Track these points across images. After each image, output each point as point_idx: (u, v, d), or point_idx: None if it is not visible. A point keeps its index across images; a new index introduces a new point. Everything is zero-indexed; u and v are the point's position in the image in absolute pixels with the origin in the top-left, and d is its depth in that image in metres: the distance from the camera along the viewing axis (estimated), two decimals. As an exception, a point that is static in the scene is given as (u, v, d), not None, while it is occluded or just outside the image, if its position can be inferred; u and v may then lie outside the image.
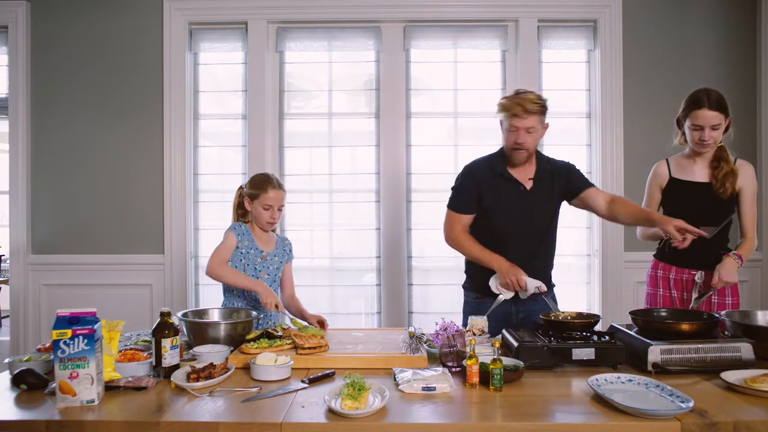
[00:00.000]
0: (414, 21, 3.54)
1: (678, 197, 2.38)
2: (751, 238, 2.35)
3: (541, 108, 2.22)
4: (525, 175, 2.34)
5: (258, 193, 2.37)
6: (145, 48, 3.51)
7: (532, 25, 3.50)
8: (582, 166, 3.58)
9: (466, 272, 2.49)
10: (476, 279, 2.39)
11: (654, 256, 2.52)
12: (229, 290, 2.42)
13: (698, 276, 2.32)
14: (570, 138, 3.60)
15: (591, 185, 2.39)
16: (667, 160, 2.47)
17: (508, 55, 3.57)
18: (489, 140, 3.58)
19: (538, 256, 2.39)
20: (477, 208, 2.36)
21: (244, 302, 2.39)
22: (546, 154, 2.45)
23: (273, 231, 2.54)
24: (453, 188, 2.42)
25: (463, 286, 2.51)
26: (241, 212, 2.48)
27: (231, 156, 3.63)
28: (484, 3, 3.49)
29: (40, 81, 3.52)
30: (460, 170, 2.43)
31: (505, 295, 2.22)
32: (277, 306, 2.21)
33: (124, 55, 3.52)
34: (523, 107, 2.17)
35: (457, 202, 2.39)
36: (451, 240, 2.40)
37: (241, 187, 2.50)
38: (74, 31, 3.52)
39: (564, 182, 2.38)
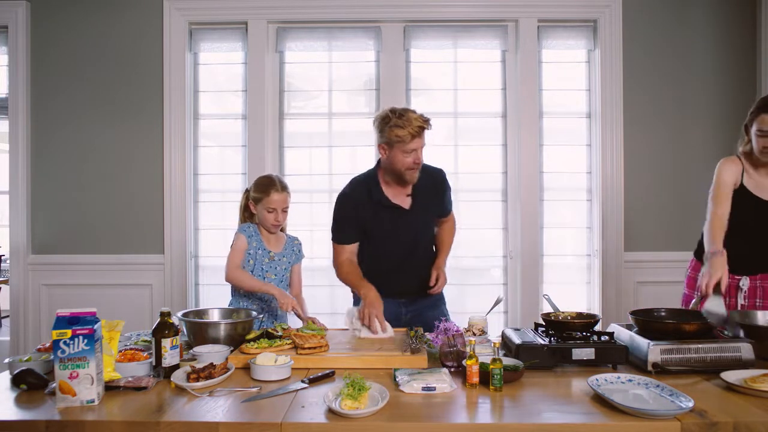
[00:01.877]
0: (414, 21, 3.53)
1: (740, 208, 2.22)
2: None
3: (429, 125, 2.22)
4: (402, 194, 2.34)
5: (261, 197, 2.39)
6: (145, 48, 3.51)
7: (532, 25, 3.50)
8: (582, 166, 3.60)
9: None
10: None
11: (695, 255, 2.41)
12: (237, 291, 2.44)
13: (742, 282, 2.26)
14: (570, 138, 3.60)
15: (447, 215, 2.49)
16: (741, 160, 2.26)
17: (508, 55, 3.57)
18: (489, 140, 3.60)
19: (422, 264, 2.43)
20: (359, 236, 2.36)
21: (250, 302, 2.42)
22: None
23: (282, 231, 2.55)
24: (333, 218, 2.39)
25: (353, 292, 2.48)
26: (247, 214, 2.51)
27: (231, 156, 3.63)
28: (484, 3, 3.49)
29: (40, 81, 3.52)
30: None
31: (360, 332, 2.12)
32: (293, 307, 2.22)
33: (124, 55, 3.52)
34: (423, 129, 2.18)
35: (337, 235, 2.38)
36: (339, 271, 2.38)
37: (247, 190, 2.52)
38: (74, 31, 3.52)
39: (438, 197, 2.42)
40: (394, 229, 2.34)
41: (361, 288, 2.24)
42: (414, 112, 2.22)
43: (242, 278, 2.32)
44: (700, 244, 2.38)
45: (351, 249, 2.38)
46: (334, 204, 2.40)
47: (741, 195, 2.25)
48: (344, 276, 2.36)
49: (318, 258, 3.60)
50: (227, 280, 2.36)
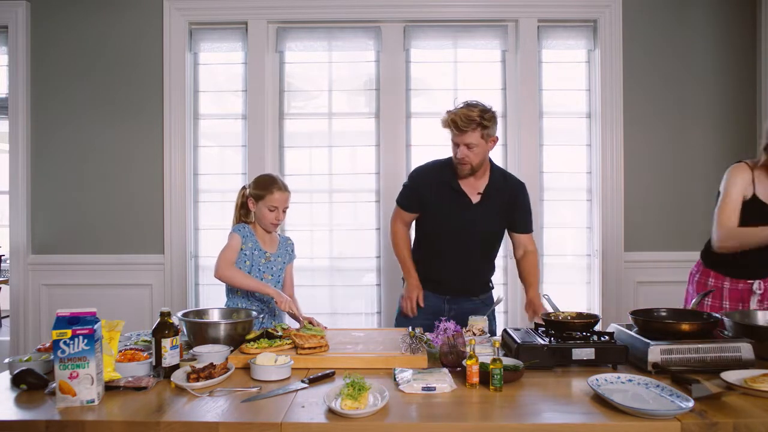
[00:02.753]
0: (414, 21, 3.53)
1: (752, 217, 2.19)
2: None
3: (480, 123, 2.19)
4: (474, 188, 2.36)
5: (263, 194, 2.37)
6: (145, 48, 3.51)
7: (532, 25, 3.50)
8: (582, 166, 3.60)
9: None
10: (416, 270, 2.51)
11: (702, 260, 2.39)
12: (233, 292, 2.43)
13: (756, 285, 2.23)
14: (570, 138, 3.60)
15: (526, 232, 2.47)
16: (751, 168, 2.22)
17: (508, 55, 3.57)
18: (489, 140, 3.59)
19: (476, 268, 2.45)
20: (420, 209, 2.44)
21: (248, 303, 2.40)
22: (502, 168, 2.49)
23: (275, 231, 2.54)
24: (404, 185, 2.52)
25: (402, 278, 2.58)
26: (243, 212, 2.47)
27: (231, 156, 3.63)
28: (484, 3, 3.49)
29: (40, 81, 3.52)
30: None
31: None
32: (290, 307, 2.22)
33: (124, 55, 3.52)
34: (457, 124, 2.20)
35: (402, 200, 2.50)
36: (391, 231, 2.54)
37: (244, 187, 2.49)
38: (74, 31, 3.52)
39: (510, 208, 2.42)
40: (453, 215, 2.35)
41: (408, 271, 2.46)
42: (470, 106, 2.25)
43: (235, 275, 2.27)
44: (708, 248, 2.35)
45: (408, 218, 2.50)
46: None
47: (753, 204, 2.21)
48: (396, 242, 2.51)
49: (318, 258, 3.61)
50: (218, 276, 2.28)
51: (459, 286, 2.44)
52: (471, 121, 2.19)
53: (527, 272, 2.48)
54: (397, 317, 2.58)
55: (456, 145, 2.27)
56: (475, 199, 2.36)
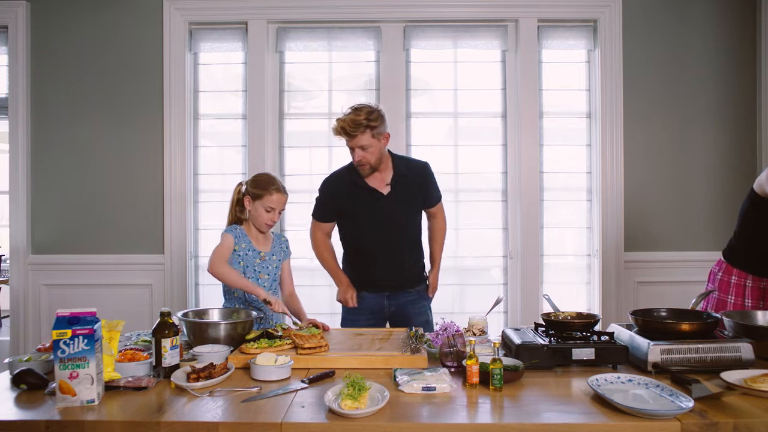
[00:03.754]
0: (414, 21, 3.54)
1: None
2: None
3: (368, 125, 2.30)
4: (382, 181, 2.46)
5: (261, 194, 2.35)
6: (145, 48, 3.51)
7: (532, 25, 3.50)
8: (582, 166, 3.60)
9: (342, 267, 2.66)
10: (350, 275, 2.60)
11: (724, 257, 2.39)
12: (229, 292, 2.41)
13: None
14: (570, 138, 3.60)
15: (434, 204, 2.59)
16: None
17: (508, 55, 3.57)
18: (489, 140, 3.60)
19: (404, 257, 2.54)
20: (337, 217, 2.51)
21: (244, 305, 2.39)
22: (403, 155, 2.60)
23: None
24: (316, 198, 2.58)
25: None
26: (239, 209, 2.44)
27: (231, 156, 3.63)
28: (484, 3, 3.49)
29: (40, 81, 3.52)
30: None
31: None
32: (282, 309, 2.21)
33: (124, 55, 3.52)
34: (346, 131, 2.30)
35: (317, 212, 2.58)
36: (313, 244, 2.61)
37: (240, 184, 2.46)
38: (74, 32, 3.52)
39: (421, 189, 2.53)
40: (370, 212, 2.45)
41: (336, 275, 2.58)
42: (356, 110, 2.33)
43: (229, 273, 2.25)
44: (733, 246, 2.36)
45: (327, 228, 2.58)
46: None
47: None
48: (319, 252, 2.60)
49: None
50: (211, 271, 2.26)
51: (393, 279, 2.52)
52: (358, 125, 2.30)
53: (432, 239, 2.68)
54: (342, 320, 2.64)
55: (350, 149, 2.37)
56: (385, 191, 2.46)
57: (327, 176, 2.58)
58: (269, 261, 2.43)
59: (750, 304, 2.28)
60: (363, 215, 2.46)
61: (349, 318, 2.58)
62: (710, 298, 2.39)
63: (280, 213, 2.39)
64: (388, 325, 2.58)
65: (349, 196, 2.46)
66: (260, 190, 2.35)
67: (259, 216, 2.37)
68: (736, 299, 2.32)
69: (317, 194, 2.57)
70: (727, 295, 2.35)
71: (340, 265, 2.65)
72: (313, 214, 2.59)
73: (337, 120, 2.34)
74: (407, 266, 2.56)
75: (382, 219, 2.44)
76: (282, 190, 2.38)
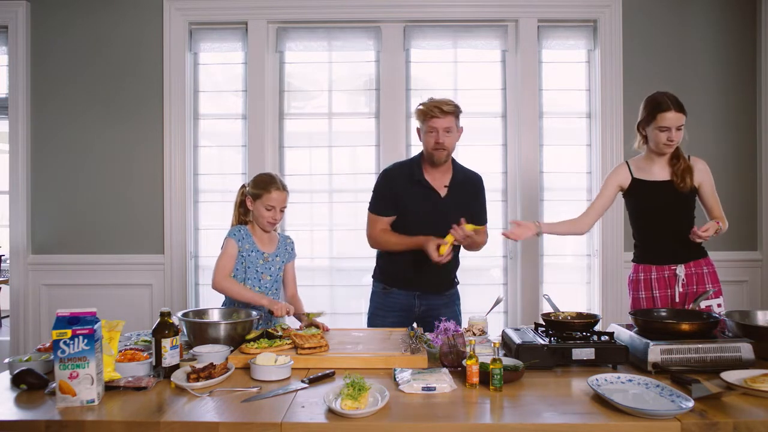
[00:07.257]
0: (414, 21, 3.53)
1: (642, 196, 2.46)
2: (725, 220, 2.39)
3: (455, 109, 2.37)
4: (441, 182, 2.47)
5: (261, 193, 2.36)
6: (145, 48, 3.51)
7: (532, 25, 3.50)
8: (582, 166, 3.60)
9: (376, 262, 2.62)
10: (385, 269, 2.55)
11: (633, 261, 2.55)
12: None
13: (679, 269, 2.39)
14: (570, 138, 3.60)
15: (481, 224, 2.50)
16: (626, 162, 2.55)
17: (508, 55, 3.57)
18: (489, 140, 3.60)
19: (448, 268, 2.49)
20: (395, 211, 2.48)
21: (244, 305, 2.38)
22: (460, 163, 2.56)
23: (274, 230, 2.53)
24: (373, 191, 2.55)
25: (372, 276, 2.65)
26: (242, 210, 2.45)
27: (231, 156, 3.63)
28: (484, 3, 3.49)
29: (40, 81, 3.52)
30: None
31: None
32: (287, 311, 2.22)
33: (124, 55, 3.52)
34: (440, 108, 2.33)
35: (376, 205, 2.52)
36: (372, 240, 2.54)
37: (243, 186, 2.48)
38: (74, 31, 3.52)
39: (474, 199, 2.52)
40: (426, 211, 2.43)
41: (414, 240, 2.37)
42: (441, 98, 2.39)
43: (231, 288, 2.29)
44: (634, 246, 2.54)
45: (386, 222, 2.50)
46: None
47: (636, 186, 2.46)
48: (384, 240, 2.48)
49: (318, 258, 3.61)
50: (214, 287, 2.31)
51: (429, 282, 2.49)
52: (450, 105, 2.36)
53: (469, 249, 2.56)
54: (370, 315, 2.61)
55: (433, 130, 2.35)
56: (443, 192, 2.46)
57: (386, 167, 2.58)
58: (272, 262, 2.43)
59: (658, 294, 2.42)
60: (417, 211, 2.43)
61: (379, 314, 2.54)
62: (632, 299, 2.51)
63: (281, 211, 2.40)
64: (415, 325, 2.49)
65: (408, 190, 2.44)
66: (260, 189, 2.36)
67: (260, 215, 2.37)
68: (646, 293, 2.45)
69: (374, 186, 2.53)
70: (638, 292, 2.48)
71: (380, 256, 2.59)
72: (370, 208, 2.53)
73: (424, 104, 2.37)
74: (445, 271, 2.48)
75: (434, 218, 2.39)
76: (281, 188, 2.38)
